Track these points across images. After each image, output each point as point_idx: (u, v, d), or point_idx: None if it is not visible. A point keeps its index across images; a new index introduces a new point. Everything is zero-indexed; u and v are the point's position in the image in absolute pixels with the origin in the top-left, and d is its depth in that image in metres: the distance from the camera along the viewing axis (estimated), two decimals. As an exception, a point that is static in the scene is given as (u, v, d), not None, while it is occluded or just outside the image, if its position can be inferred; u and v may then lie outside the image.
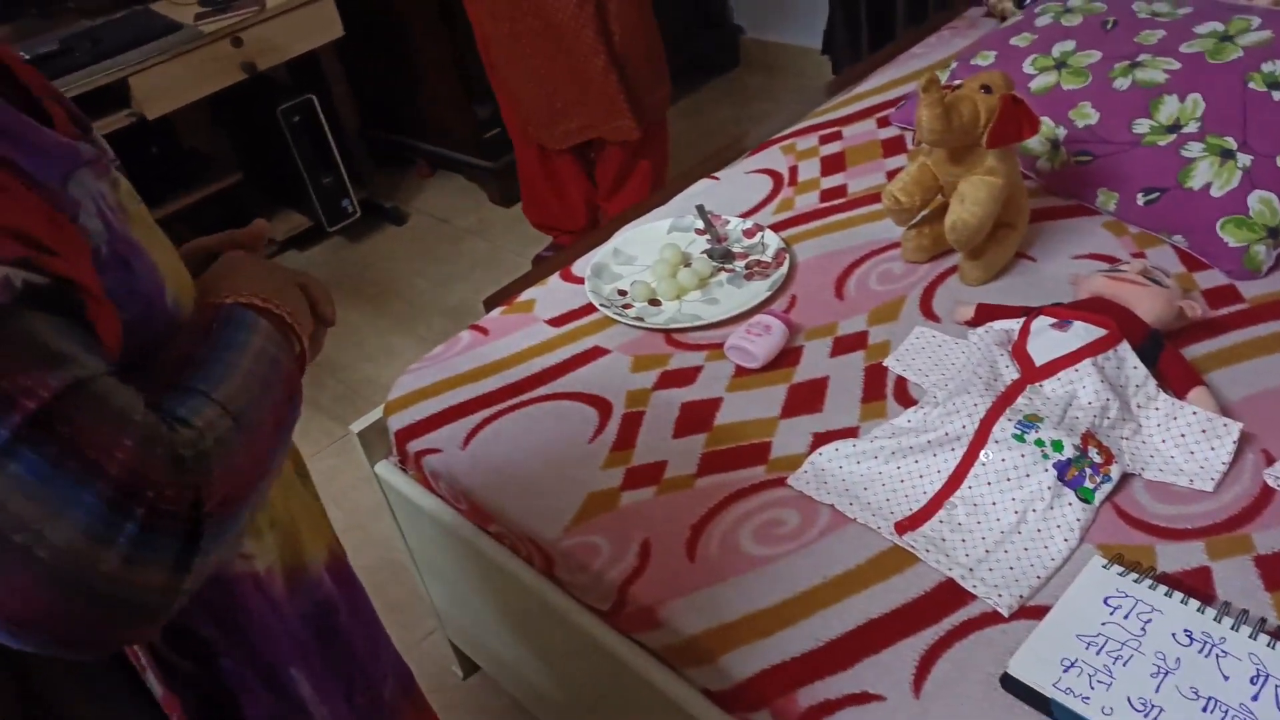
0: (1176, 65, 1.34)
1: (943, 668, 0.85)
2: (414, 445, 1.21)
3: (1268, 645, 0.81)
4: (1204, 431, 0.99)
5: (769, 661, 0.89)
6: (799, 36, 3.35)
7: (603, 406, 1.19)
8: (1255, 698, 0.78)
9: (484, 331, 1.37)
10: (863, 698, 0.84)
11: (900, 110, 1.66)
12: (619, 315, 1.33)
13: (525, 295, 1.43)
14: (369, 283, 2.59)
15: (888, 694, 0.84)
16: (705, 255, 1.43)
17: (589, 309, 1.37)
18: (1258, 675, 0.79)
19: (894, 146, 1.61)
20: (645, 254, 1.46)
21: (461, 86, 2.66)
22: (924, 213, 1.33)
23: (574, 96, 2.08)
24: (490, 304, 1.51)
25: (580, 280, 1.41)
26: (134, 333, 0.55)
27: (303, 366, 0.67)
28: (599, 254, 1.46)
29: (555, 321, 1.36)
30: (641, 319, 1.32)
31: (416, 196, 2.95)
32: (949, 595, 0.90)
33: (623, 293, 1.39)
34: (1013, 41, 1.55)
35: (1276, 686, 0.78)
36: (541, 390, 1.24)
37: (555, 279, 1.45)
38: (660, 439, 1.13)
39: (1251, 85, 1.27)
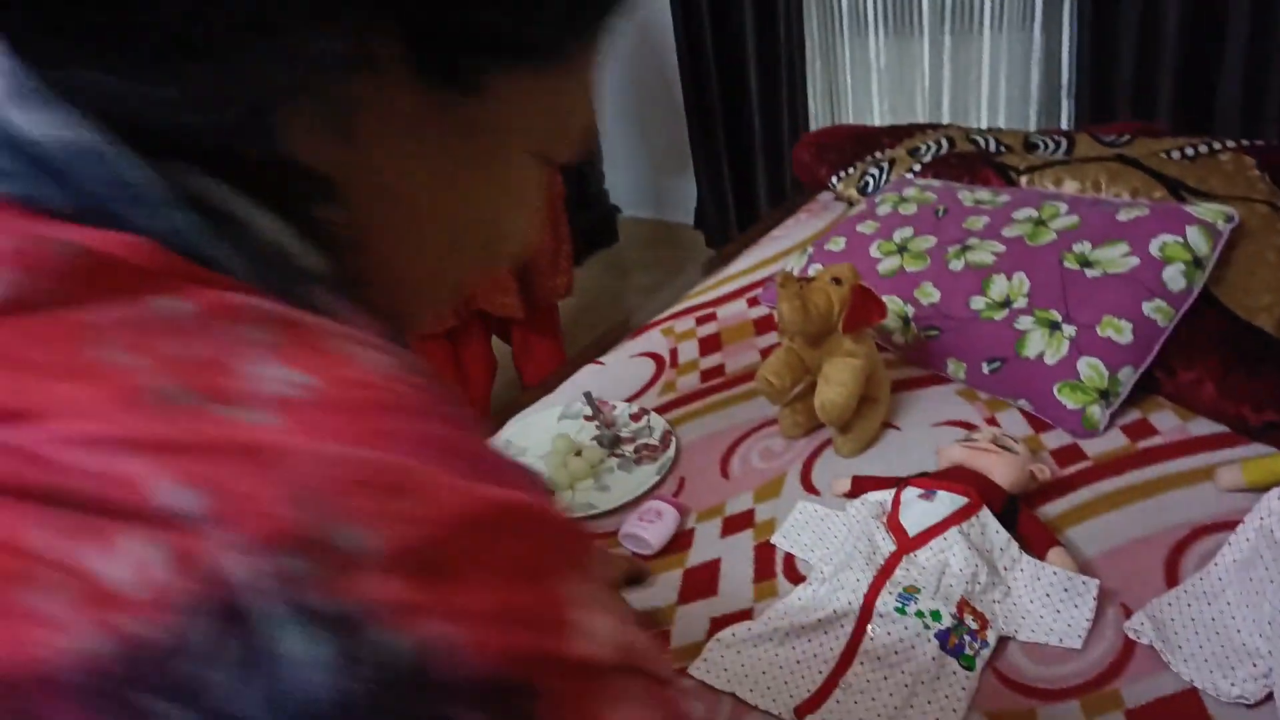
0: (1001, 248, 1.50)
1: None
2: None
3: (1146, 801, 0.85)
4: (1066, 590, 1.06)
5: None
6: (673, 214, 3.58)
7: (501, 607, 1.19)
8: None
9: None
10: None
11: (766, 290, 1.79)
12: (513, 509, 1.34)
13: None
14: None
15: None
16: (595, 442, 1.48)
17: (483, 505, 1.38)
18: (1141, 834, 0.83)
19: (765, 325, 1.72)
20: (537, 444, 1.49)
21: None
22: (796, 390, 1.42)
23: None
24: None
25: (473, 475, 1.43)
26: None
27: None
28: (491, 447, 1.48)
29: (449, 520, 1.36)
30: (536, 511, 1.34)
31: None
32: (851, 779, 0.92)
33: (516, 485, 1.41)
34: (859, 229, 1.71)
35: (1160, 842, 0.82)
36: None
37: (448, 475, 1.46)
38: (560, 637, 1.13)
39: (1066, 264, 1.44)
